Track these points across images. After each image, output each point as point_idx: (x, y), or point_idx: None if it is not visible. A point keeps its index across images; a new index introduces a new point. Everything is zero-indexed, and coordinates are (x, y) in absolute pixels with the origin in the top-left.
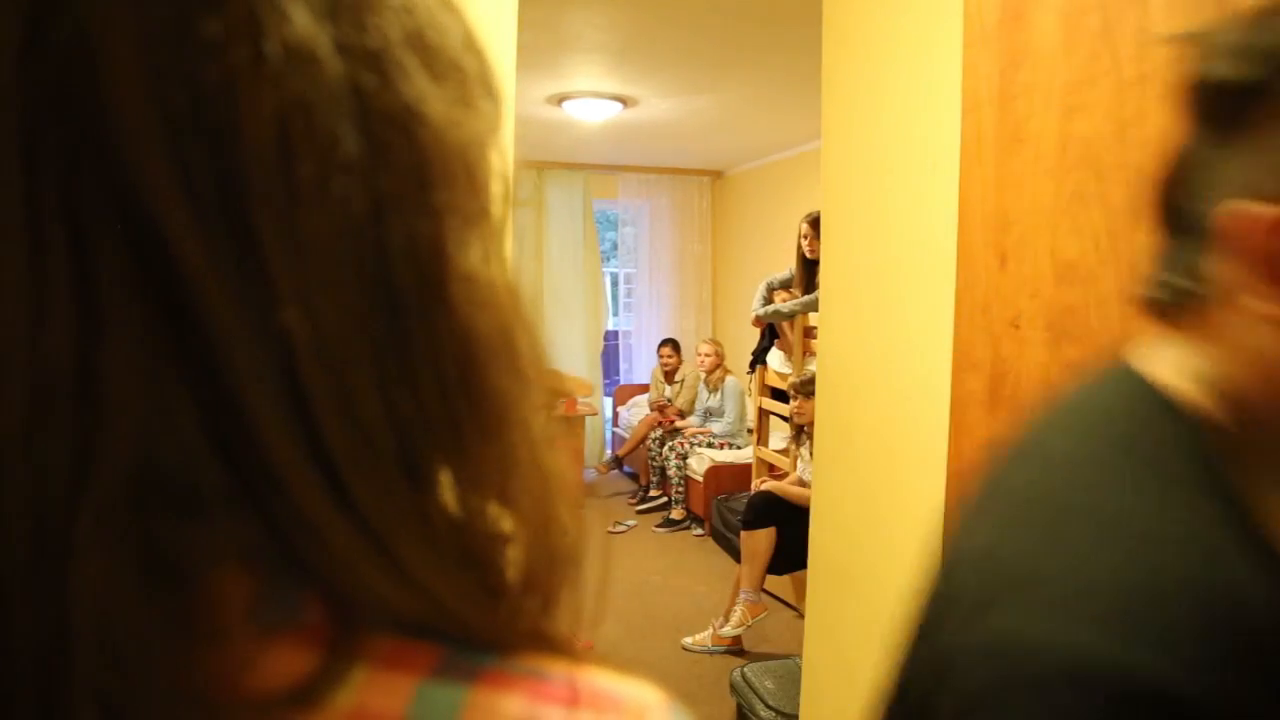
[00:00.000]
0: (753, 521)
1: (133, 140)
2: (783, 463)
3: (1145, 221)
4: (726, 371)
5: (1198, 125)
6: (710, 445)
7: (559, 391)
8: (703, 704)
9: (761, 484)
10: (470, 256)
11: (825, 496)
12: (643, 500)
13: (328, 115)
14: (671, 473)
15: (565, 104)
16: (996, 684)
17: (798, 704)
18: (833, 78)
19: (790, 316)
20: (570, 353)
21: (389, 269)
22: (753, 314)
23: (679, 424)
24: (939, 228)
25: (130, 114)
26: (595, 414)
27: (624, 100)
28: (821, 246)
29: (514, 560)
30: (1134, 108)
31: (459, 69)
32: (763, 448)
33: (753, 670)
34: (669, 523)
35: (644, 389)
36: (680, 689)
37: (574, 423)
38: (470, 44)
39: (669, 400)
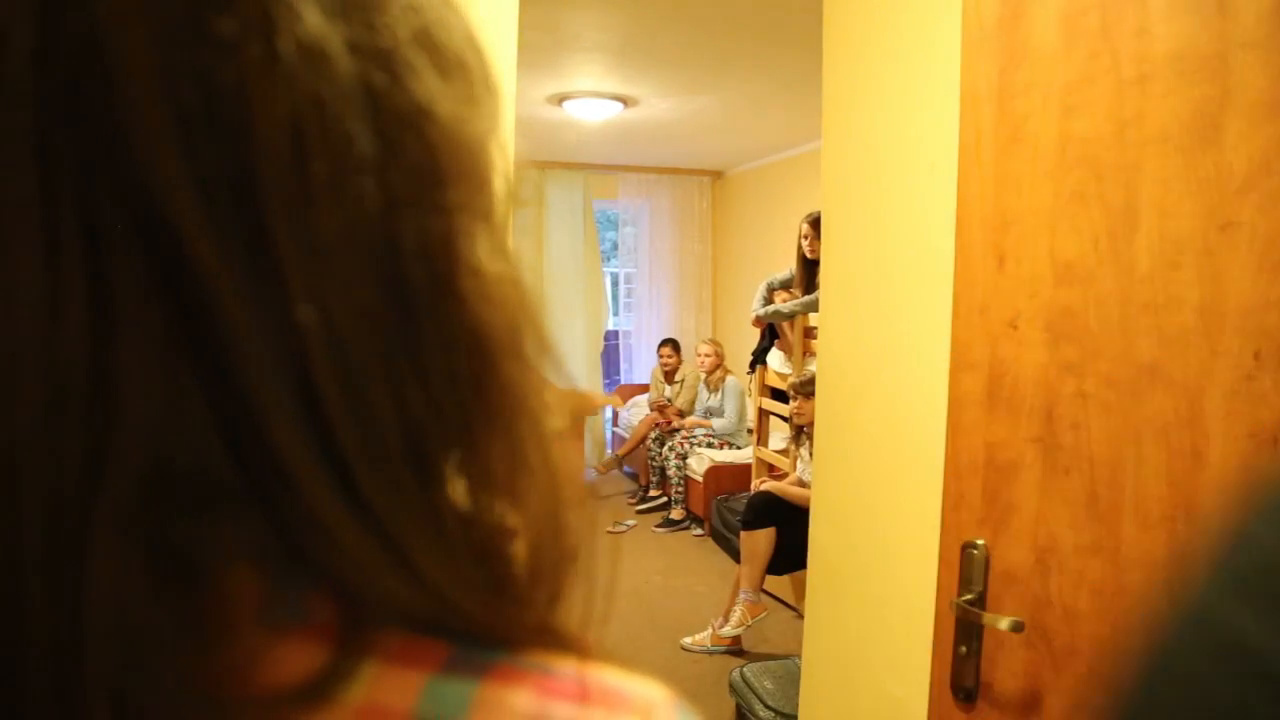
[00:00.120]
0: (752, 522)
1: (146, 140)
2: (782, 463)
3: (1144, 221)
4: (727, 371)
5: None
6: (710, 445)
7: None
8: (702, 704)
9: (761, 484)
10: (480, 252)
11: (825, 497)
12: (642, 500)
13: (341, 114)
14: (671, 473)
15: (565, 104)
16: None
17: (797, 704)
18: (833, 78)
19: (790, 317)
20: (570, 353)
21: (401, 267)
22: (753, 314)
23: (678, 422)
24: (937, 228)
25: (143, 113)
26: (595, 414)
27: (624, 100)
28: (821, 246)
29: (521, 555)
30: (1134, 107)
31: (464, 66)
32: (762, 448)
33: (752, 670)
34: (669, 523)
35: (644, 389)
36: (679, 689)
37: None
38: (471, 40)
39: (669, 400)
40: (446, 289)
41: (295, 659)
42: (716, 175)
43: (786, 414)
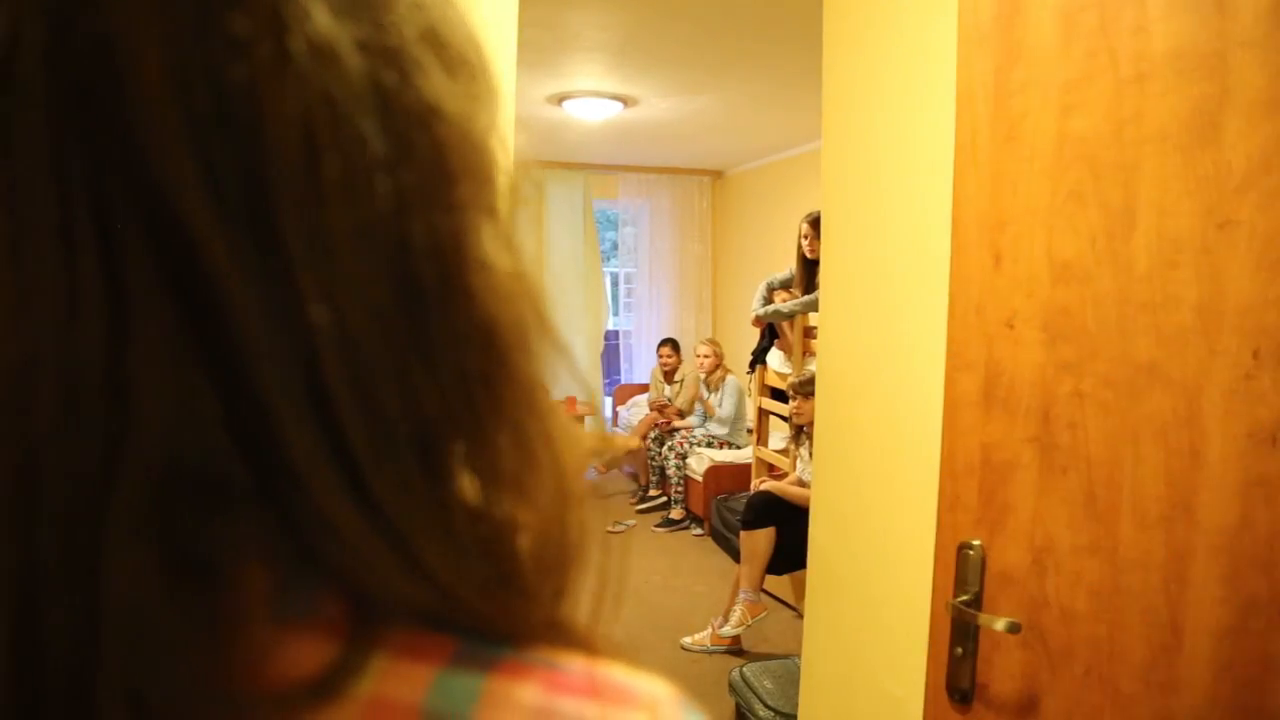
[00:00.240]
0: (752, 521)
1: (157, 139)
2: (782, 463)
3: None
4: (726, 370)
5: None
6: (710, 445)
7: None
8: (702, 703)
9: (761, 484)
10: (488, 248)
11: (825, 497)
12: (642, 500)
13: (351, 113)
14: (671, 472)
15: (565, 103)
16: None
17: (796, 704)
18: (833, 78)
19: (790, 316)
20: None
21: (411, 264)
22: (752, 314)
23: (677, 422)
24: (936, 228)
25: (155, 113)
26: (594, 414)
27: (624, 100)
28: (821, 246)
29: (528, 551)
30: (1132, 106)
31: (468, 63)
32: (762, 448)
33: (752, 670)
34: (668, 522)
35: (644, 389)
36: (680, 688)
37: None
38: (472, 38)
39: (669, 400)
40: (456, 286)
41: (305, 655)
42: (716, 175)
43: (786, 414)
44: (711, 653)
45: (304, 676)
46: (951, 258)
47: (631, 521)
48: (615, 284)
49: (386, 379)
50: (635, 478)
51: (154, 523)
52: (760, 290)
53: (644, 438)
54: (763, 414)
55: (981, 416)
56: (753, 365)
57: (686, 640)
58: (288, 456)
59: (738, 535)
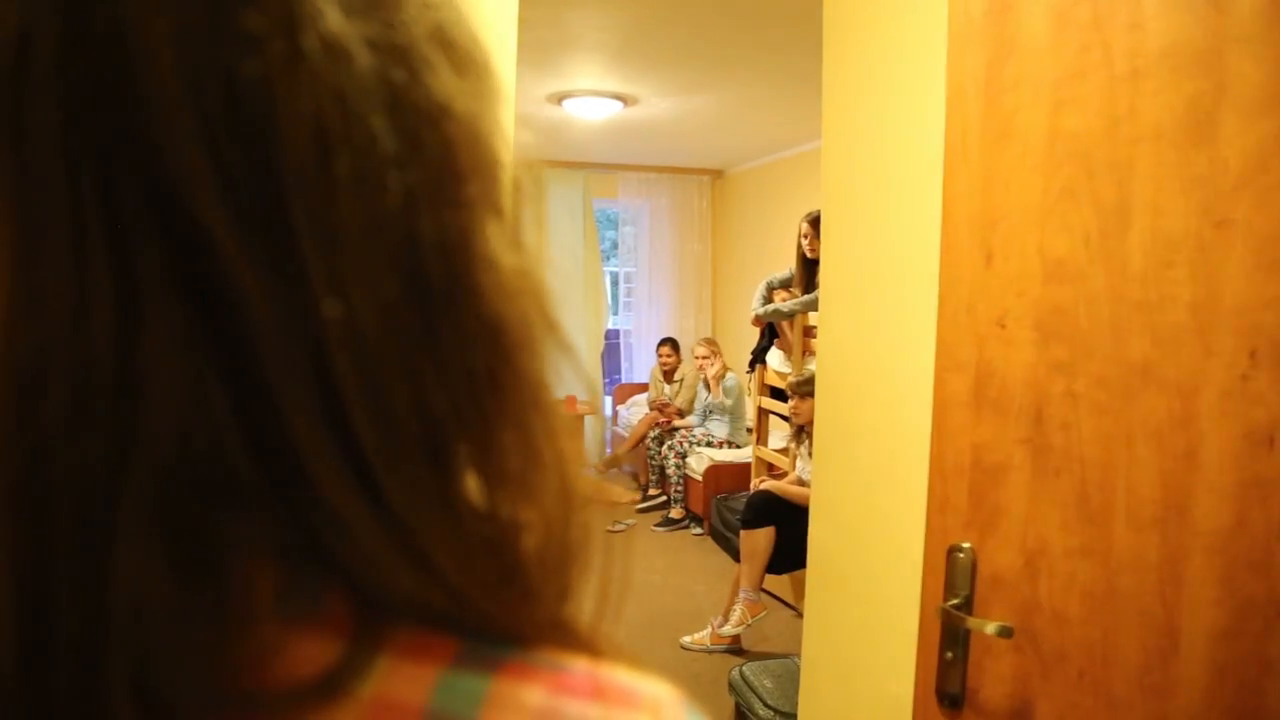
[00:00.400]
0: (752, 521)
1: (170, 135)
2: (782, 462)
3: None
4: (726, 368)
5: None
6: (710, 444)
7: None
8: (702, 703)
9: (761, 483)
10: (495, 246)
11: (824, 496)
12: (642, 499)
13: (363, 110)
14: (670, 472)
15: (565, 103)
16: None
17: (796, 703)
18: (833, 78)
19: (790, 316)
20: None
21: (420, 261)
22: (752, 313)
23: (678, 422)
24: (933, 227)
25: (167, 109)
26: (595, 413)
27: (624, 99)
28: (821, 246)
29: (532, 551)
30: (1126, 103)
31: (475, 62)
32: (762, 447)
33: (751, 669)
34: (668, 522)
35: (643, 388)
36: (680, 688)
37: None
38: (475, 37)
39: (669, 399)
40: (464, 283)
41: (310, 653)
42: (716, 174)
43: (786, 413)
44: (711, 652)
45: (308, 675)
46: (941, 256)
47: (631, 521)
48: (615, 283)
49: (395, 376)
50: (635, 477)
51: (163, 520)
52: (760, 289)
53: (643, 437)
54: (762, 413)
55: (972, 417)
56: (752, 364)
57: (686, 639)
58: (298, 454)
59: (737, 534)
